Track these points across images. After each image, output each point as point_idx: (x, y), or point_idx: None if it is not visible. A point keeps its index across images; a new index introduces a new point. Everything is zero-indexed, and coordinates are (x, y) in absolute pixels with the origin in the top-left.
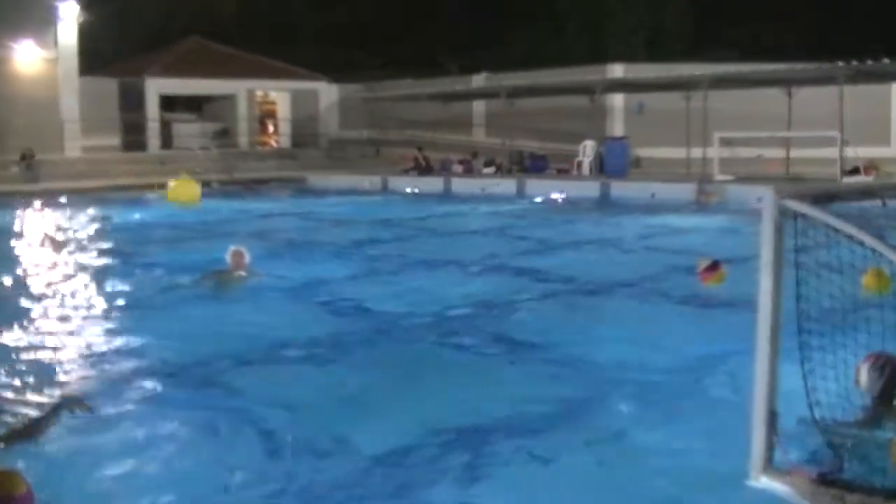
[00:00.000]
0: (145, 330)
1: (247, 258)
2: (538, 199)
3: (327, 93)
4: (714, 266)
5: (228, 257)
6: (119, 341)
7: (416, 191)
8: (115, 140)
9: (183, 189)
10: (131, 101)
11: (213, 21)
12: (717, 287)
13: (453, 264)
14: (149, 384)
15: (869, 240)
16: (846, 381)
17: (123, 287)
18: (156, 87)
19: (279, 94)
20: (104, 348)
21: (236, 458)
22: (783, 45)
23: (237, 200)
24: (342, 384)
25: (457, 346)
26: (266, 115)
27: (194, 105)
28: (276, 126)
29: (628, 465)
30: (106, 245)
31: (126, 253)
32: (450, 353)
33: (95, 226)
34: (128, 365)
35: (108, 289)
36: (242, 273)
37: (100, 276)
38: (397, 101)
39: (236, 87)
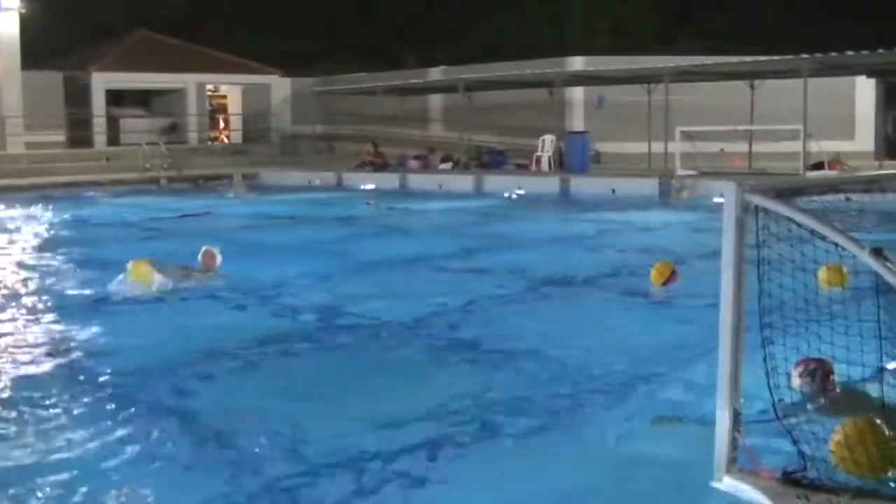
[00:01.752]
0: (101, 330)
1: (218, 259)
2: (496, 196)
3: (280, 87)
4: (666, 265)
5: (200, 257)
6: (70, 342)
7: (372, 187)
8: (59, 136)
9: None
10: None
11: (162, 13)
12: (669, 285)
13: (409, 262)
14: (103, 386)
15: (831, 234)
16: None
17: (72, 287)
18: (102, 82)
19: (230, 89)
20: (51, 349)
21: (189, 459)
22: (747, 37)
23: (187, 198)
24: (299, 385)
25: (415, 345)
26: (217, 109)
27: (142, 100)
28: (226, 121)
29: (590, 466)
30: (50, 243)
31: (73, 251)
32: (408, 352)
33: (39, 224)
34: (79, 367)
35: (55, 289)
36: (209, 273)
37: (46, 275)
38: (352, 95)
39: (185, 81)
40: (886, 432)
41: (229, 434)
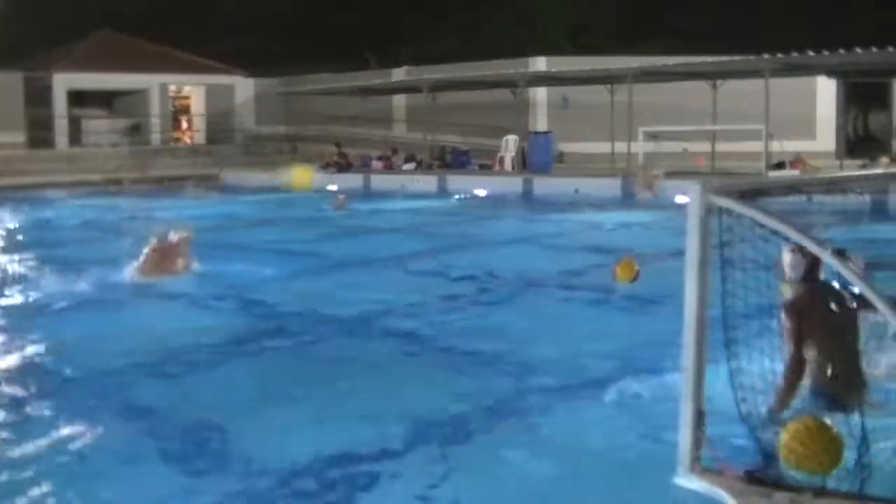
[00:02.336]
0: (67, 331)
1: (188, 247)
2: (459, 196)
3: (243, 87)
4: (628, 264)
5: (171, 238)
6: (38, 343)
7: (335, 188)
8: (19, 137)
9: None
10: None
11: (124, 13)
12: (630, 283)
13: (373, 263)
14: (66, 386)
15: (795, 235)
16: (774, 378)
17: (37, 289)
18: (64, 82)
19: (193, 89)
20: (16, 350)
21: (155, 457)
22: (710, 37)
23: (151, 199)
24: (264, 385)
25: (377, 345)
26: (180, 110)
27: (105, 101)
28: (190, 122)
29: (554, 464)
30: (11, 245)
31: (35, 253)
32: (371, 353)
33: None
34: (46, 367)
35: (19, 290)
36: (182, 262)
37: (8, 277)
38: (315, 95)
39: (148, 82)
40: (833, 430)
41: (190, 434)
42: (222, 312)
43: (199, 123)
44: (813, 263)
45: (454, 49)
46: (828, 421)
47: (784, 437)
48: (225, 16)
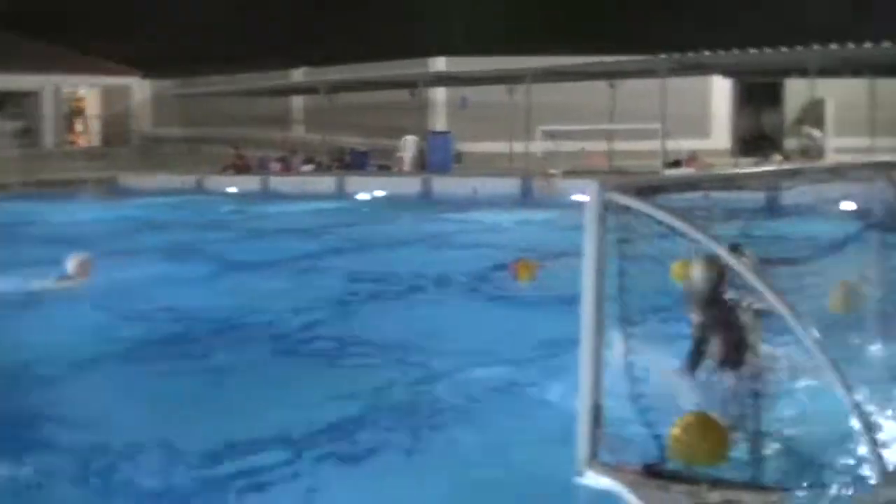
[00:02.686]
0: None
1: (90, 267)
2: (358, 197)
3: (140, 88)
4: (523, 262)
5: (72, 265)
6: None
7: (234, 190)
8: None
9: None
10: None
11: (16, 11)
12: (530, 283)
13: (269, 265)
14: None
15: (691, 231)
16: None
17: None
18: None
19: (89, 90)
20: None
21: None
22: (608, 37)
23: (43, 204)
24: (165, 393)
25: (274, 350)
26: (75, 112)
27: None
28: (85, 124)
29: (454, 465)
30: None
31: None
32: (266, 356)
33: None
34: None
35: None
36: (81, 279)
37: None
38: (213, 96)
39: (41, 83)
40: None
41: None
42: (123, 318)
43: (95, 125)
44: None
45: (353, 49)
46: (714, 416)
47: (673, 430)
48: (123, 16)
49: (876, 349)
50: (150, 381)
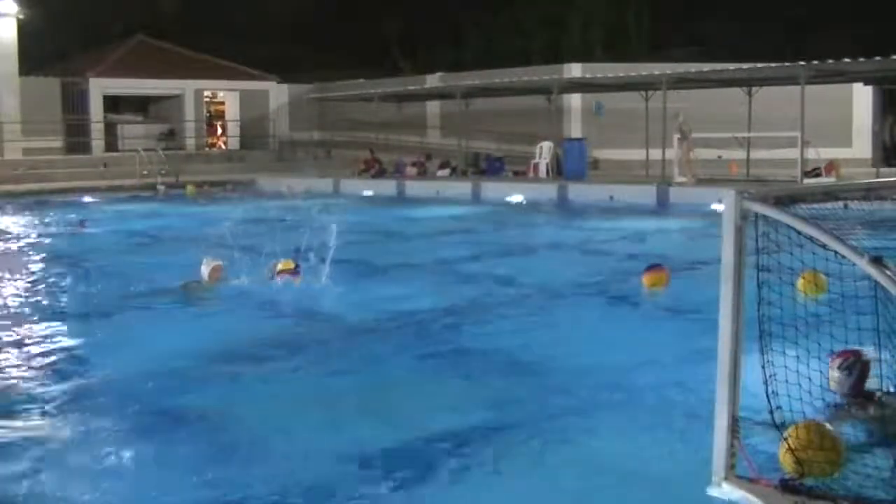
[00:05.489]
0: (114, 342)
1: (222, 272)
2: (494, 202)
3: (277, 93)
4: (657, 267)
5: (205, 270)
6: (83, 354)
7: (370, 193)
8: (57, 142)
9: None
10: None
11: (158, 19)
12: (660, 290)
13: (408, 269)
14: (120, 395)
15: (830, 242)
16: (809, 385)
17: (86, 296)
18: (100, 88)
19: (228, 95)
20: (59, 357)
21: (196, 466)
22: (745, 43)
23: (187, 204)
24: (300, 393)
25: (414, 354)
26: (214, 115)
27: (140, 106)
28: (224, 127)
29: (586, 473)
30: (54, 251)
31: (80, 260)
32: (407, 362)
33: (43, 230)
34: (89, 379)
35: (64, 298)
36: (213, 283)
37: (52, 283)
38: (349, 101)
39: (183, 88)
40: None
41: (224, 443)
42: (255, 317)
43: (233, 129)
44: (860, 378)
45: (488, 56)
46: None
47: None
48: (258, 22)
49: None
50: (285, 383)
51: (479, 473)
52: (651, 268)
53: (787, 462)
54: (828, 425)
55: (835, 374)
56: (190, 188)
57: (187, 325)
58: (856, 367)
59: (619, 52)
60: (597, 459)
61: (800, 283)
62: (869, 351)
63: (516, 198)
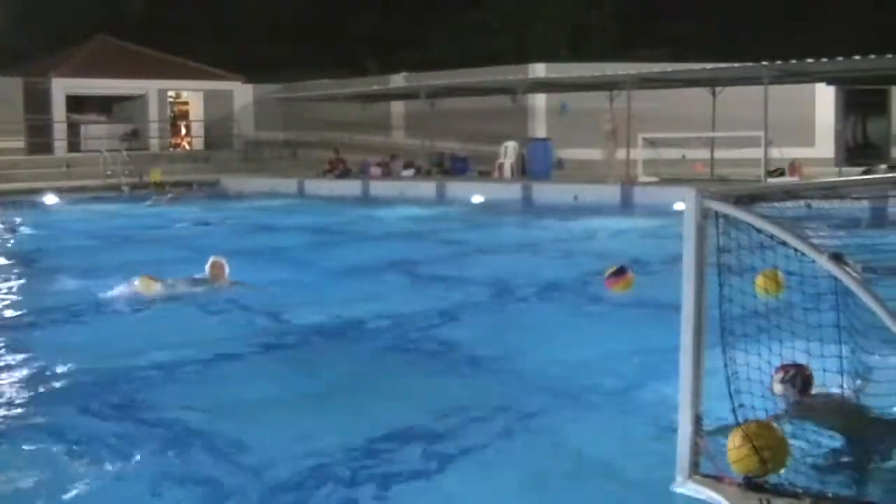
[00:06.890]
0: (80, 341)
1: (226, 270)
2: (459, 202)
3: (242, 93)
4: (620, 271)
5: (208, 268)
6: (55, 355)
7: (334, 194)
8: (19, 142)
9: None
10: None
11: (121, 19)
12: (623, 293)
13: (371, 270)
14: (96, 397)
15: (791, 239)
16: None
17: (47, 297)
18: (62, 88)
19: (192, 95)
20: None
21: (156, 470)
22: (714, 44)
23: (150, 205)
24: (260, 396)
25: (377, 355)
26: (178, 116)
27: (103, 106)
28: (188, 127)
29: (553, 472)
30: (15, 252)
31: (38, 260)
32: (371, 362)
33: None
34: (69, 380)
35: (25, 298)
36: (222, 283)
37: (15, 284)
38: (314, 101)
39: (147, 88)
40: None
41: (215, 440)
42: (252, 318)
43: (198, 129)
44: (803, 388)
45: (453, 56)
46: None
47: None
48: (224, 22)
49: None
50: (260, 381)
51: (449, 469)
52: (615, 273)
53: (746, 463)
54: (773, 422)
55: (778, 386)
56: (154, 173)
57: (131, 328)
58: (797, 378)
59: (585, 52)
60: (565, 457)
61: (759, 280)
62: (812, 361)
63: (480, 198)
